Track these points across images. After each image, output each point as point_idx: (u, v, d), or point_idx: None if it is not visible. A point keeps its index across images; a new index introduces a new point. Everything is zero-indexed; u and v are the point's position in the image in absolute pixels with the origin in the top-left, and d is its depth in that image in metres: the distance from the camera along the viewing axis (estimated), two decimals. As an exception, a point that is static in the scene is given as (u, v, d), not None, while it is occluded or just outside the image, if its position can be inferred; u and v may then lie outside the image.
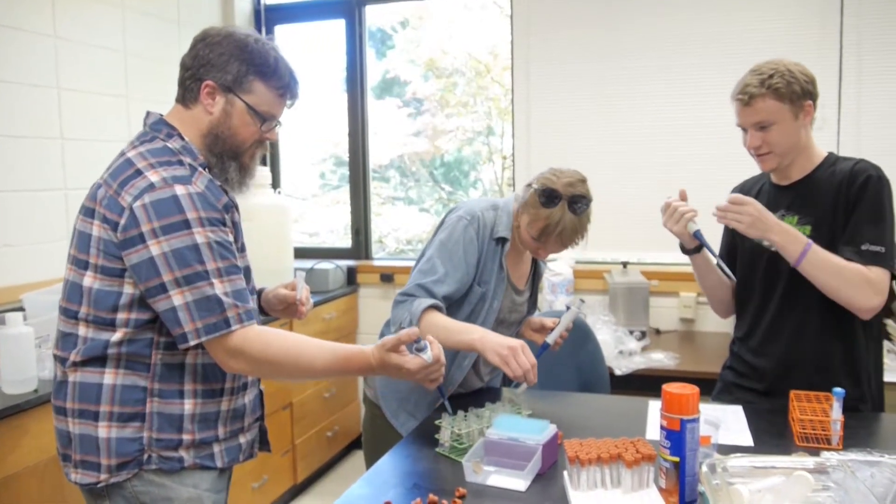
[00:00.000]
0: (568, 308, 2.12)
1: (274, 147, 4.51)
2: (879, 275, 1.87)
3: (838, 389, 1.74)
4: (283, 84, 1.64)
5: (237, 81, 1.59)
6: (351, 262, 4.32)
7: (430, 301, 1.96)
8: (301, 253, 4.27)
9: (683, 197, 2.05)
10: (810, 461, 1.41)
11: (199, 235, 1.47)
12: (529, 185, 2.00)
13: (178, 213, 1.46)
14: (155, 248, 1.45)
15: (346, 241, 4.55)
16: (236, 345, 1.49)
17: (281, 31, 4.52)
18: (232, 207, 1.60)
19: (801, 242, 1.88)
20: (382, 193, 4.78)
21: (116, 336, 1.51)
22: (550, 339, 2.08)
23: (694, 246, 2.09)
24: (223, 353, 1.50)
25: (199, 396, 1.59)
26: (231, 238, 1.56)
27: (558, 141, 3.88)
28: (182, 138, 1.59)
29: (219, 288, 1.47)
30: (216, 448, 1.63)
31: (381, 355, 1.56)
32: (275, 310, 1.91)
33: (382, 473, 1.70)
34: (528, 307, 2.26)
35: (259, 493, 3.37)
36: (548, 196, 1.93)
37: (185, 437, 1.57)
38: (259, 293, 1.89)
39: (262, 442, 1.82)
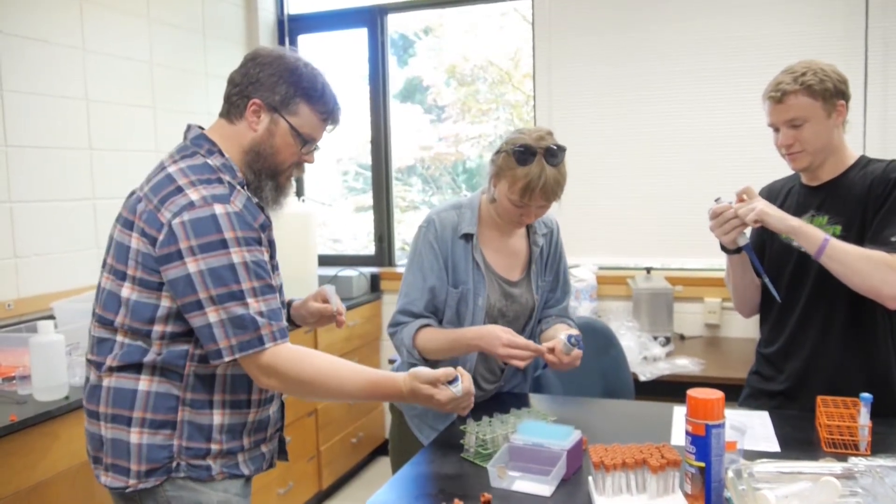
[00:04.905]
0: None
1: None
2: None
3: (866, 395, 1.72)
4: (327, 109, 1.67)
5: (284, 102, 1.62)
6: (374, 269, 4.35)
7: (416, 325, 2.01)
8: (325, 260, 4.31)
9: (749, 193, 1.95)
10: (837, 466, 1.40)
11: (236, 255, 1.49)
12: (499, 152, 1.98)
13: (215, 233, 1.48)
14: (192, 266, 1.47)
15: (369, 248, 4.58)
16: (269, 362, 1.51)
17: (304, 40, 4.57)
18: (268, 226, 1.63)
19: (822, 232, 1.85)
20: (406, 197, 4.79)
21: (153, 346, 1.54)
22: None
23: (735, 248, 2.02)
24: (256, 369, 1.53)
25: (228, 407, 1.61)
26: (266, 257, 1.58)
27: (580, 146, 3.85)
28: (223, 155, 1.62)
29: (253, 307, 1.49)
30: (241, 458, 1.65)
31: (413, 385, 1.59)
32: (307, 322, 1.93)
33: (407, 479, 1.71)
34: (539, 297, 2.18)
35: (285, 499, 3.39)
36: (523, 153, 1.91)
37: (214, 446, 1.59)
38: (288, 305, 1.91)
39: (280, 451, 1.84)
